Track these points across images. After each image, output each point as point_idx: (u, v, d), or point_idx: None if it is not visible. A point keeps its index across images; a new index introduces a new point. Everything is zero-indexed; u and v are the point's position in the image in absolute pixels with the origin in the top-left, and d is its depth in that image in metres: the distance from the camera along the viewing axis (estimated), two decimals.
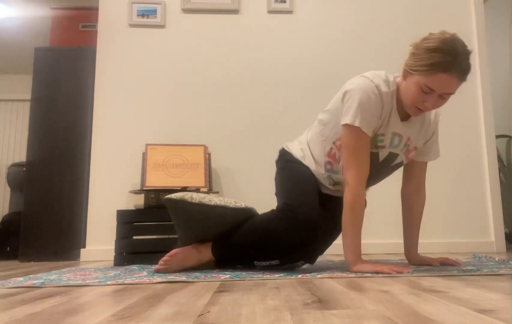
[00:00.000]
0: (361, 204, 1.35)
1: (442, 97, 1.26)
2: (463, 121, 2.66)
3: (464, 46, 1.24)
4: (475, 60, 2.72)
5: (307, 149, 1.55)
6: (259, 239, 1.42)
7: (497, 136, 3.13)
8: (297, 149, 1.59)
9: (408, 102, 1.31)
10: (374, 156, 1.40)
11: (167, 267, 1.48)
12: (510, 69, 3.45)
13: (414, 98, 1.28)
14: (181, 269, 1.51)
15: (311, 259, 1.48)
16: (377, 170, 1.45)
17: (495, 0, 3.58)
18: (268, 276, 1.30)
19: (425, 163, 1.53)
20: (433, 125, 1.47)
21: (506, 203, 3.18)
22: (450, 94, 1.25)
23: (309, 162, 1.52)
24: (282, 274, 1.34)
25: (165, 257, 1.49)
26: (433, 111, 1.45)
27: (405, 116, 1.39)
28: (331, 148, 1.46)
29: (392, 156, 1.43)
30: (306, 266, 1.60)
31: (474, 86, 2.71)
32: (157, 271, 1.49)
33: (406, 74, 1.31)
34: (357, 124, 1.30)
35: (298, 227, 1.35)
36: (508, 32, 3.50)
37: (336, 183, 1.51)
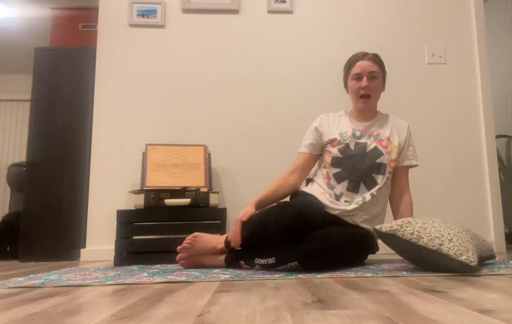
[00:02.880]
0: None
1: (370, 78, 1.67)
2: (463, 121, 2.66)
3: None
4: (475, 60, 2.72)
5: (312, 182, 1.80)
6: (256, 228, 1.52)
7: (497, 136, 3.14)
8: (303, 186, 1.83)
9: (354, 97, 1.71)
10: (347, 146, 1.69)
11: (190, 247, 1.63)
12: (510, 69, 3.45)
13: (354, 89, 1.69)
14: (202, 251, 1.64)
15: (303, 260, 1.43)
16: (357, 157, 1.67)
17: (495, 0, 3.58)
18: (268, 276, 1.30)
19: (406, 170, 1.75)
20: (407, 131, 1.74)
21: (506, 203, 3.18)
22: (372, 72, 1.66)
23: (313, 191, 1.71)
24: (282, 274, 1.34)
25: (190, 237, 1.64)
26: (400, 121, 1.77)
27: (364, 120, 1.74)
28: (322, 173, 1.75)
29: (362, 145, 1.68)
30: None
31: (474, 86, 2.70)
32: (181, 250, 1.64)
33: (346, 88, 1.78)
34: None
35: (288, 214, 1.48)
36: (508, 32, 3.50)
37: (341, 194, 1.67)
